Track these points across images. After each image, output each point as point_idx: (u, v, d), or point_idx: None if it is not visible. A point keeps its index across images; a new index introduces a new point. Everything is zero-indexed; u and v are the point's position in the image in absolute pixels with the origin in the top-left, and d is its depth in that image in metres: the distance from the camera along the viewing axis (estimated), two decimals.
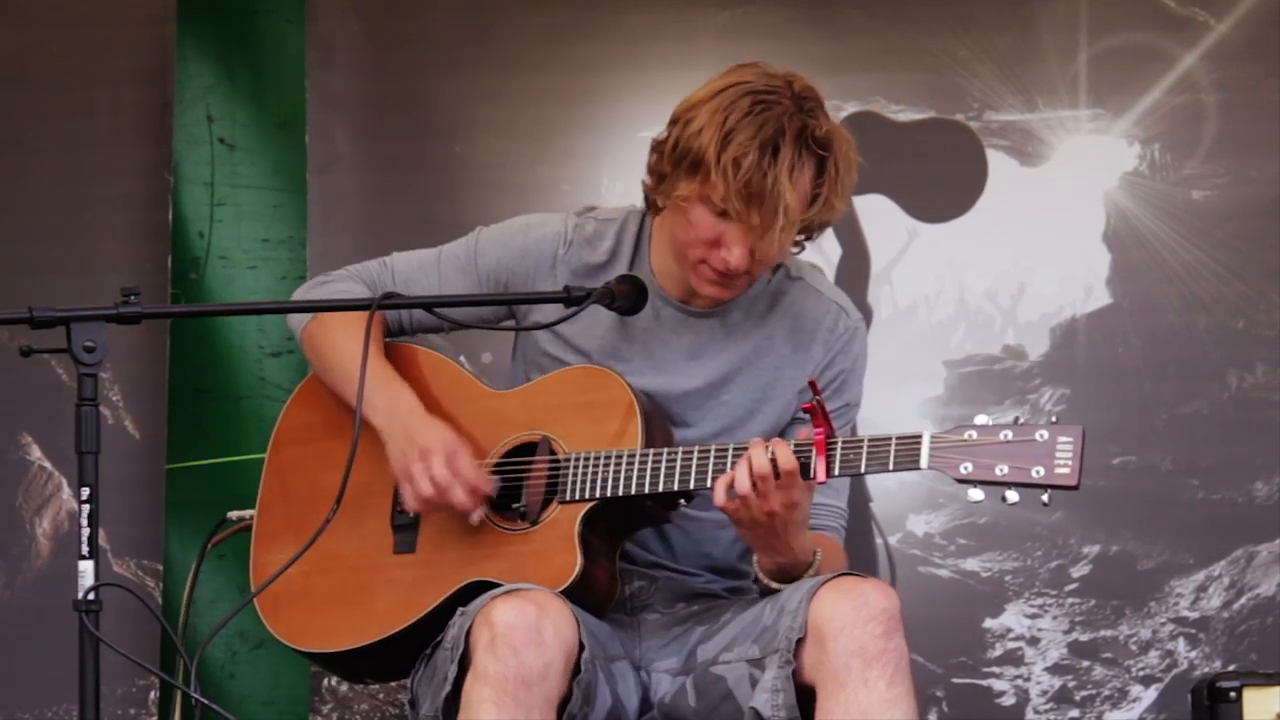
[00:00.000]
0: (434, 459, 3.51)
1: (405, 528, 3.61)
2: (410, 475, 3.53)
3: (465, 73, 5.24)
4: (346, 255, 5.16)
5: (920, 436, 3.28)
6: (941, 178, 5.24)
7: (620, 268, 3.67)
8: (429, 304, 3.59)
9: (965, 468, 3.24)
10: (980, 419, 3.25)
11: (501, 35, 5.25)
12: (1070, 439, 3.20)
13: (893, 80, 5.23)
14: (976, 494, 3.24)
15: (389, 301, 3.50)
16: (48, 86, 5.25)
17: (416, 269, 3.75)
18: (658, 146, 3.57)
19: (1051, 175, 5.22)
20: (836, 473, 3.33)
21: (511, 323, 3.75)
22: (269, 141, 5.07)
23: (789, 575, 3.49)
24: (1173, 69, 5.19)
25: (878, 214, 5.21)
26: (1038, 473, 3.20)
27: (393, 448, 3.57)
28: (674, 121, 3.55)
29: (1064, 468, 3.19)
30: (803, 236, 3.62)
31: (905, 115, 5.23)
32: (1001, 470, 3.22)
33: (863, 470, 3.32)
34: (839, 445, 3.33)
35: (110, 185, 5.23)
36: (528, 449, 3.57)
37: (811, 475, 3.35)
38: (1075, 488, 3.19)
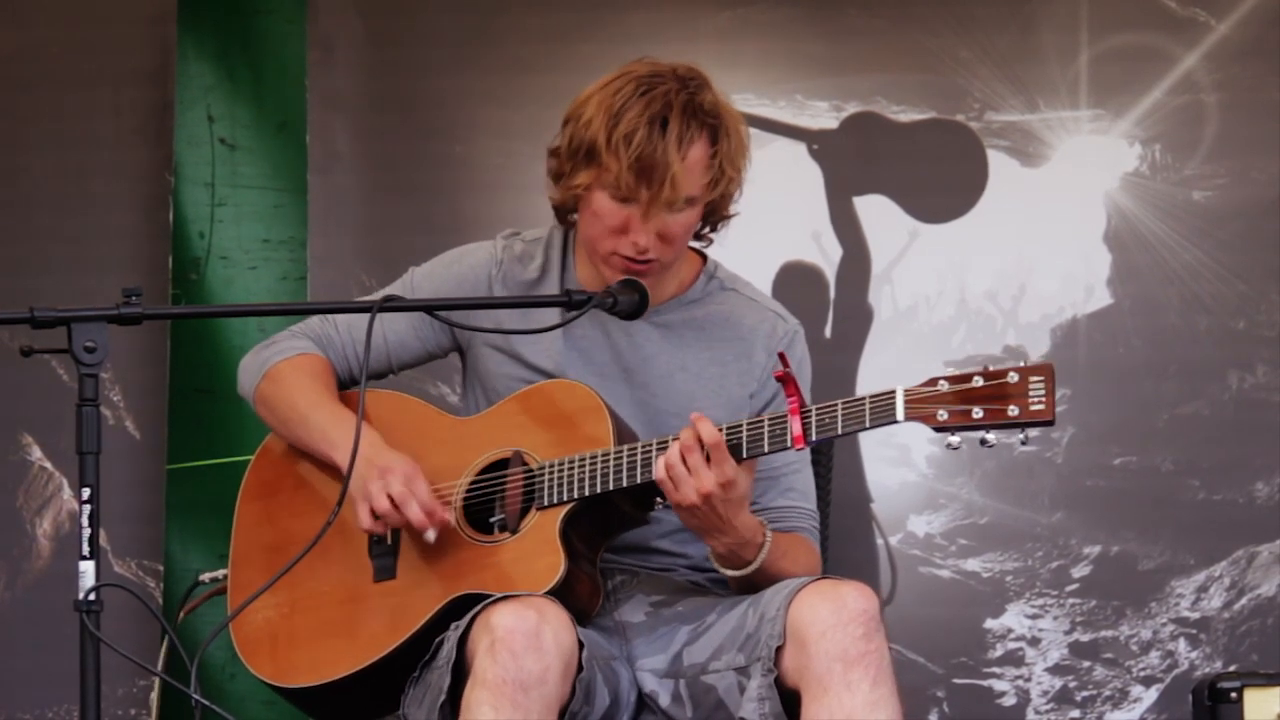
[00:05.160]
0: (392, 477, 3.51)
1: (383, 555, 3.61)
2: (367, 493, 3.53)
3: (465, 73, 5.24)
4: (347, 255, 5.18)
5: (894, 391, 3.29)
6: (942, 178, 5.24)
7: (551, 280, 3.71)
8: (429, 306, 3.59)
9: (941, 415, 3.25)
10: (950, 369, 3.27)
11: (501, 35, 5.25)
12: (1041, 377, 3.22)
13: (893, 80, 5.23)
14: (955, 440, 3.26)
15: (389, 304, 3.50)
16: (48, 86, 5.25)
17: (357, 316, 3.75)
18: (554, 150, 3.62)
19: (1052, 176, 5.22)
20: (814, 437, 3.34)
21: (458, 349, 3.77)
22: (269, 142, 5.07)
23: (741, 557, 3.49)
24: (1173, 69, 5.19)
25: (878, 214, 5.21)
26: (1013, 411, 3.23)
27: (354, 476, 3.56)
28: (566, 122, 3.60)
29: (1038, 404, 3.22)
30: (708, 227, 3.65)
31: (906, 115, 5.23)
32: (977, 413, 3.24)
33: (840, 431, 3.32)
34: (814, 410, 3.34)
35: (111, 185, 5.23)
36: (500, 467, 3.57)
37: (789, 444, 3.35)
38: (1051, 423, 3.22)
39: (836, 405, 3.33)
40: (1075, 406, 5.16)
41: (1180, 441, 5.18)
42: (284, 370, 3.74)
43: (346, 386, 3.76)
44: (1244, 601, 5.16)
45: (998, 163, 5.23)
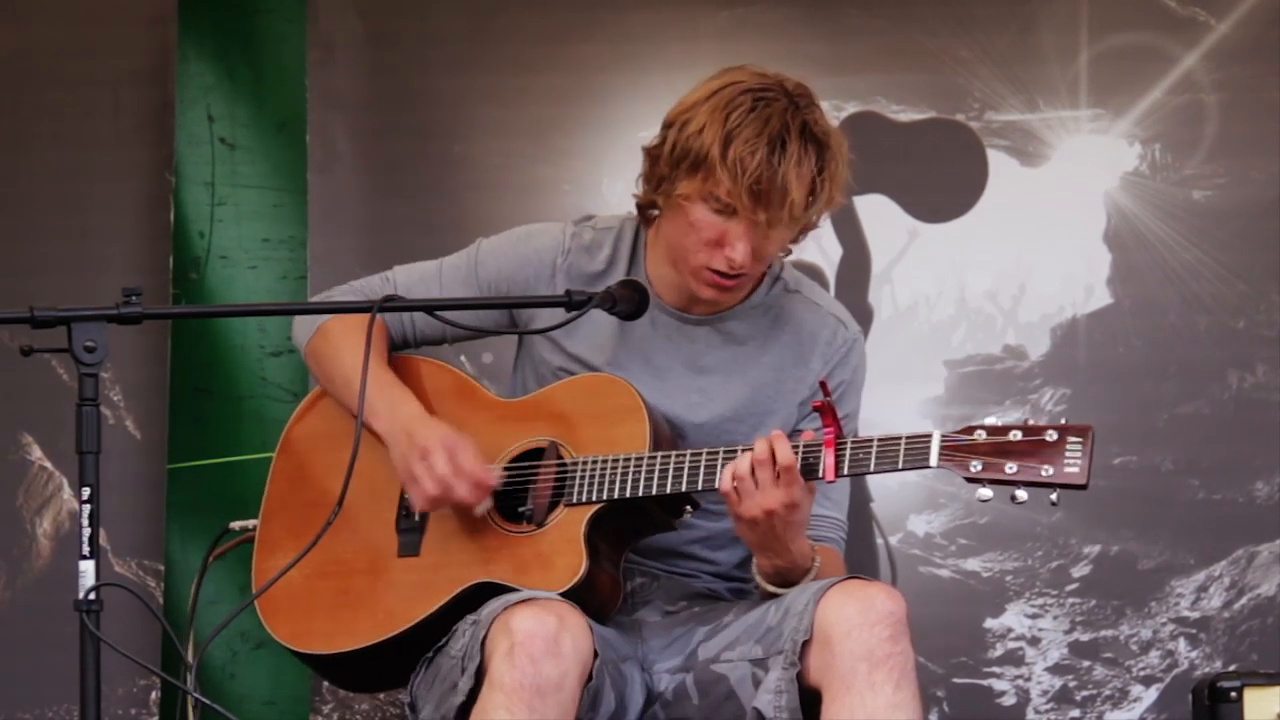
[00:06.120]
0: (435, 456, 3.51)
1: (410, 531, 3.61)
2: (414, 475, 3.53)
3: (465, 73, 5.24)
4: (346, 255, 5.18)
5: (930, 436, 3.29)
6: (942, 178, 5.24)
7: (618, 276, 3.68)
8: (429, 307, 3.59)
9: (975, 466, 3.25)
10: (989, 420, 3.26)
11: (501, 35, 5.25)
12: (1080, 439, 3.21)
13: (893, 80, 5.23)
14: (985, 492, 3.26)
15: (389, 304, 3.50)
16: (48, 86, 5.25)
17: (418, 281, 3.76)
18: (653, 151, 3.58)
19: (1052, 175, 5.22)
20: (846, 472, 3.34)
21: (514, 329, 3.76)
22: (269, 141, 5.07)
23: (786, 579, 3.49)
24: (1173, 69, 5.19)
25: (878, 214, 5.21)
26: (1047, 472, 3.22)
27: (395, 451, 3.58)
28: (669, 125, 3.56)
29: (1073, 467, 3.21)
30: (793, 240, 3.65)
31: (906, 115, 5.23)
32: (1011, 469, 3.23)
33: (872, 469, 3.33)
34: (848, 445, 3.34)
35: (111, 185, 5.23)
36: (534, 455, 3.57)
37: (821, 475, 3.35)
38: (1084, 487, 3.21)
39: (872, 442, 3.33)
40: (1075, 406, 5.16)
41: (1180, 441, 5.18)
42: (336, 327, 3.74)
43: (399, 349, 3.76)
44: (1244, 601, 5.16)
45: (997, 162, 5.22)
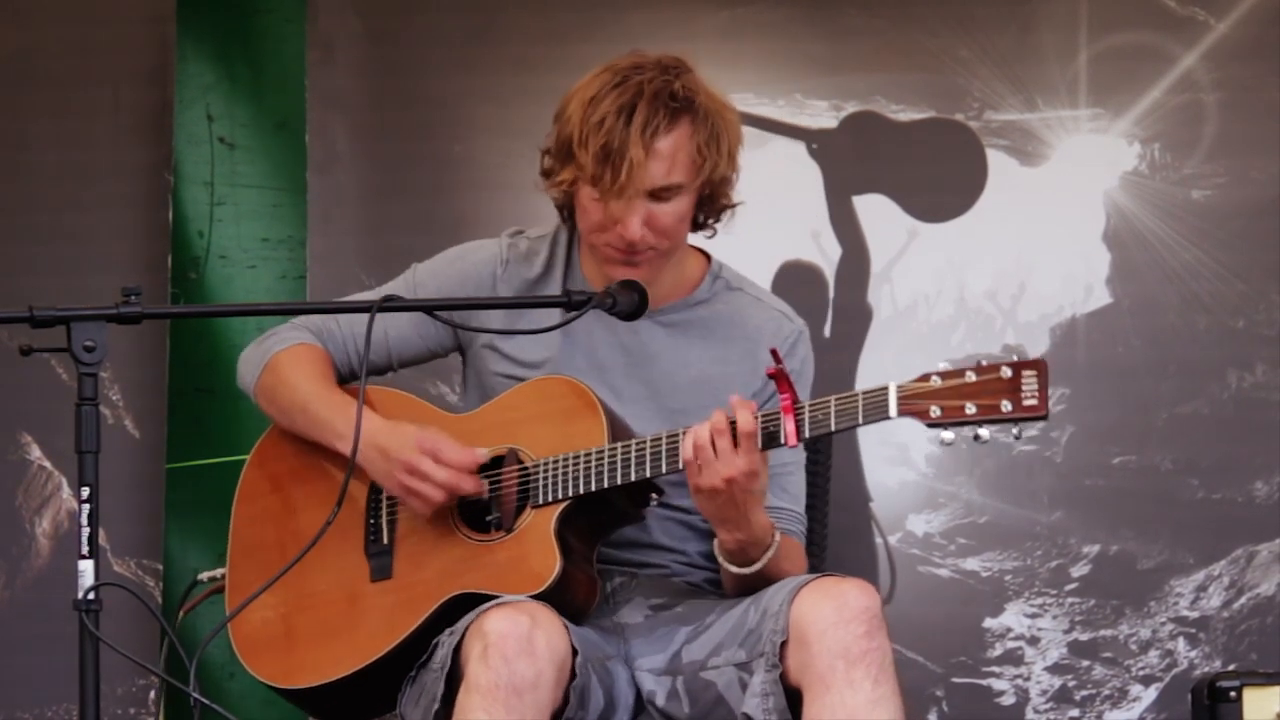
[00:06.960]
0: (422, 465, 3.51)
1: (380, 554, 3.61)
2: (410, 490, 3.52)
3: (465, 73, 5.24)
4: (346, 255, 5.18)
5: (886, 387, 3.29)
6: (941, 177, 5.24)
7: (555, 278, 3.70)
8: (428, 307, 3.59)
9: (934, 411, 3.26)
10: (943, 365, 3.27)
11: (501, 35, 5.25)
12: (1034, 372, 3.22)
13: (893, 80, 5.23)
14: (948, 435, 3.26)
15: (388, 304, 3.50)
16: (48, 86, 5.25)
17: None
18: (545, 151, 3.61)
19: (1051, 175, 5.22)
20: (808, 434, 3.34)
21: (473, 342, 3.76)
22: (269, 141, 5.07)
23: (748, 556, 3.49)
24: (1173, 69, 5.19)
25: (878, 214, 5.21)
26: (1006, 406, 3.22)
27: (374, 470, 3.57)
28: (554, 120, 3.59)
29: (1031, 399, 3.22)
30: (709, 218, 3.63)
31: (905, 115, 5.23)
32: (970, 409, 3.24)
33: (833, 428, 3.32)
34: (806, 407, 3.34)
35: (110, 185, 5.24)
36: (495, 465, 3.57)
37: (783, 441, 3.35)
38: (1044, 417, 3.22)
39: (829, 401, 3.33)
40: (1074, 406, 5.16)
41: (1180, 441, 5.18)
42: (283, 360, 3.73)
43: (345, 381, 3.76)
44: (1243, 601, 5.16)
45: (997, 162, 5.23)
